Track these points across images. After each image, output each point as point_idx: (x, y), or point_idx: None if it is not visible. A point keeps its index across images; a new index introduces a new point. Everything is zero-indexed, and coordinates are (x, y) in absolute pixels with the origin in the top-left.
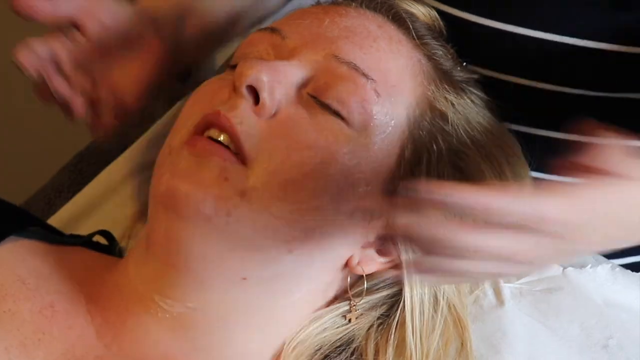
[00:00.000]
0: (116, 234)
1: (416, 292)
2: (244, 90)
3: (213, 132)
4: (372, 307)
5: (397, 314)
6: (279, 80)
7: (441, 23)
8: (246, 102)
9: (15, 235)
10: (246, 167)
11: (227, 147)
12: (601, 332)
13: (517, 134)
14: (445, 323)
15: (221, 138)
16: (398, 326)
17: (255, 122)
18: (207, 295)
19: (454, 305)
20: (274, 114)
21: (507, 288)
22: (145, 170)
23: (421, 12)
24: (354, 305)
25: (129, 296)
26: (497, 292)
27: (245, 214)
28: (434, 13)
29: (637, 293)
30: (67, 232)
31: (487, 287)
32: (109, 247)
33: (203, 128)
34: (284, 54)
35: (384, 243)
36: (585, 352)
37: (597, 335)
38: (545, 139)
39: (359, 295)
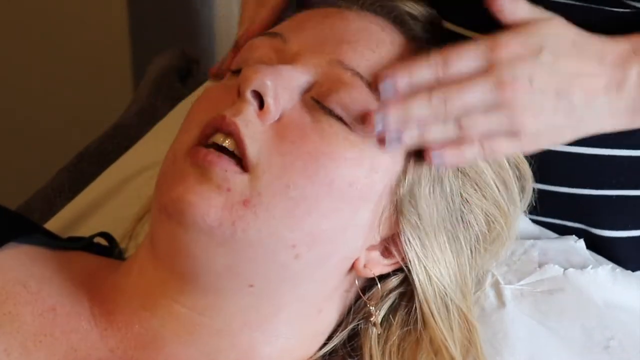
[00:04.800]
0: (117, 234)
1: (428, 290)
2: (249, 95)
3: (218, 137)
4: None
5: (418, 316)
6: (284, 84)
7: (442, 24)
8: (251, 107)
9: (15, 241)
10: (248, 173)
11: (229, 154)
12: (602, 333)
13: None
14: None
15: (226, 143)
16: (425, 326)
17: (259, 127)
18: (214, 301)
19: (459, 306)
20: (278, 119)
21: (508, 289)
22: (146, 170)
23: (422, 13)
24: (374, 309)
25: (135, 300)
26: (498, 294)
27: (250, 222)
28: (435, 13)
29: (637, 294)
30: (68, 232)
31: (489, 288)
32: (109, 248)
33: (209, 133)
34: (287, 59)
35: (388, 245)
36: (586, 353)
37: (598, 336)
38: None
39: (374, 299)
